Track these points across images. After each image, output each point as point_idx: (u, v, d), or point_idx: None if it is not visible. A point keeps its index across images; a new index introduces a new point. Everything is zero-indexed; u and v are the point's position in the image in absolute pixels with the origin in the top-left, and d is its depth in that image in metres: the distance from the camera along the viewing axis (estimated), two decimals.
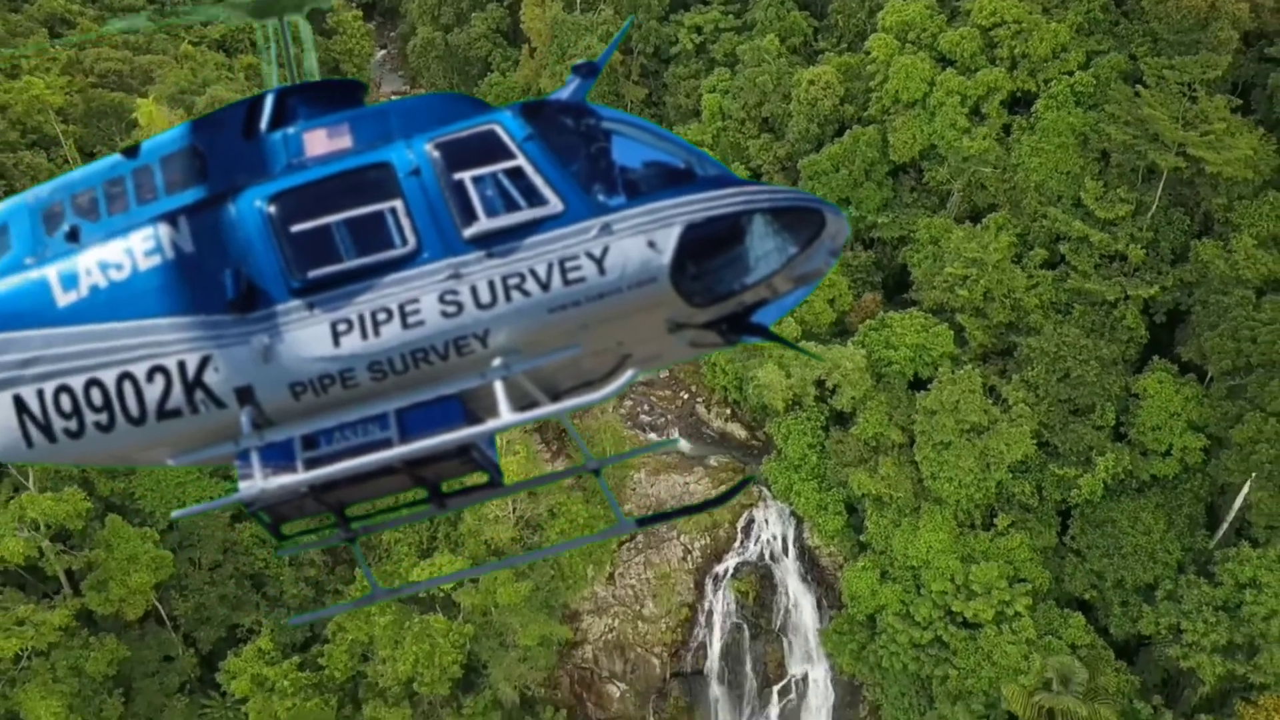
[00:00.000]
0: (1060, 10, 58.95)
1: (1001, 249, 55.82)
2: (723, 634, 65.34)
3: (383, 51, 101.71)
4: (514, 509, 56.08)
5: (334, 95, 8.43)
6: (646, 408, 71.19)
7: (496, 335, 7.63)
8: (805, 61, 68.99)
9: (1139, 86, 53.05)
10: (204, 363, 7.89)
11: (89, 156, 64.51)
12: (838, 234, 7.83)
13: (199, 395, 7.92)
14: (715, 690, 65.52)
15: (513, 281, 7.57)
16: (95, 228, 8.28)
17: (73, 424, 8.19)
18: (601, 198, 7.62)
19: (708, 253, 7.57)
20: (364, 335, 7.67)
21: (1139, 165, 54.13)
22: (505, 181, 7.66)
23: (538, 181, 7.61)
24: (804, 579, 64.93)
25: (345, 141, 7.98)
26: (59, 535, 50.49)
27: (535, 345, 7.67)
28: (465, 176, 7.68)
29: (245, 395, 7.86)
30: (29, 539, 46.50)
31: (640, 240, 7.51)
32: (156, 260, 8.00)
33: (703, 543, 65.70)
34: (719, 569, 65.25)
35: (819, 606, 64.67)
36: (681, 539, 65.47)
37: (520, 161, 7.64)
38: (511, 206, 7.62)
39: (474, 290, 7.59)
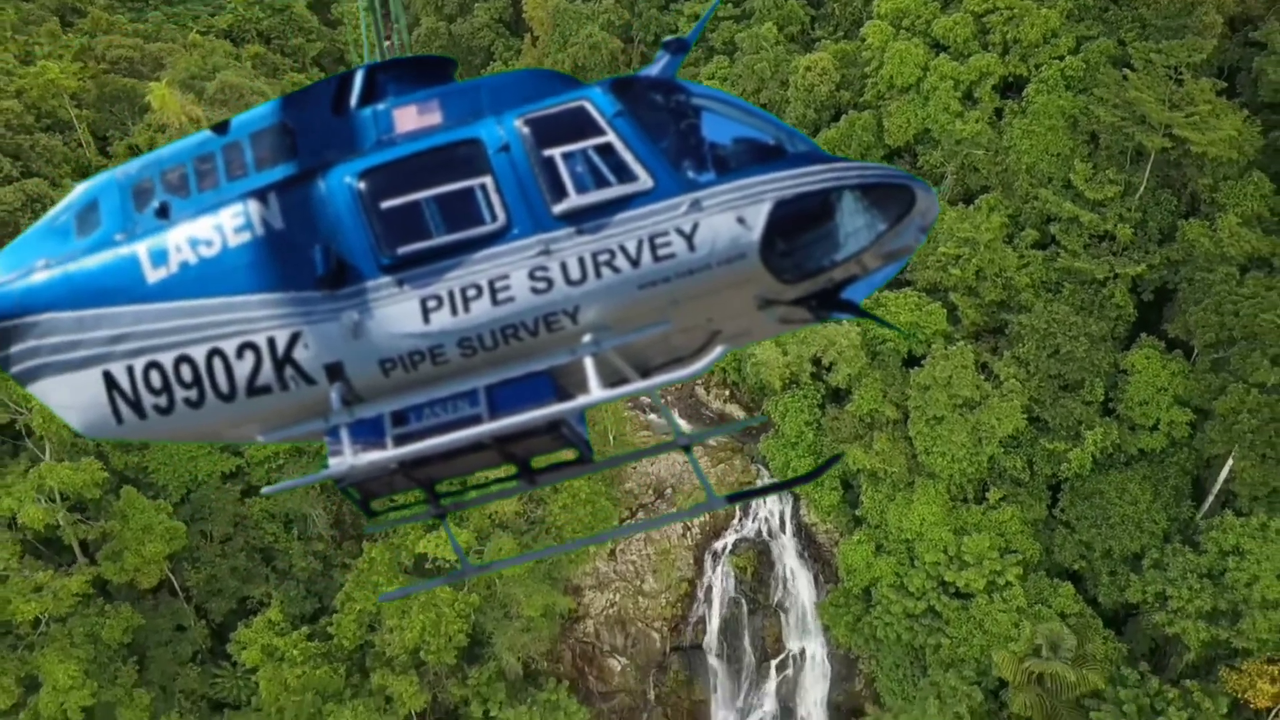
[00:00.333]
0: None
1: (993, 229, 57.21)
2: (721, 609, 66.61)
3: (386, 43, 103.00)
4: None
5: (424, 72, 8.42)
6: None
7: (586, 311, 7.66)
8: (802, 49, 70.37)
9: (1126, 70, 54.39)
10: (294, 339, 7.93)
11: (102, 140, 65.93)
12: (928, 211, 7.83)
13: (289, 372, 7.98)
14: (714, 664, 66.78)
15: (603, 258, 7.60)
16: (185, 204, 8.29)
17: (162, 400, 8.24)
18: (691, 174, 7.64)
19: (797, 229, 7.59)
20: (454, 312, 7.72)
21: (1127, 147, 55.46)
22: (595, 158, 7.67)
23: (627, 158, 7.62)
24: (801, 555, 66.22)
25: (435, 118, 7.98)
26: (75, 506, 51.89)
27: (625, 321, 7.70)
28: (555, 153, 7.69)
29: (335, 372, 7.93)
30: (48, 508, 47.82)
31: (730, 217, 7.54)
32: (246, 237, 8.01)
33: (701, 520, 67.03)
34: (717, 545, 66.56)
35: (816, 582, 65.95)
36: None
37: (610, 138, 7.65)
38: (601, 183, 7.64)
39: (564, 266, 7.62)
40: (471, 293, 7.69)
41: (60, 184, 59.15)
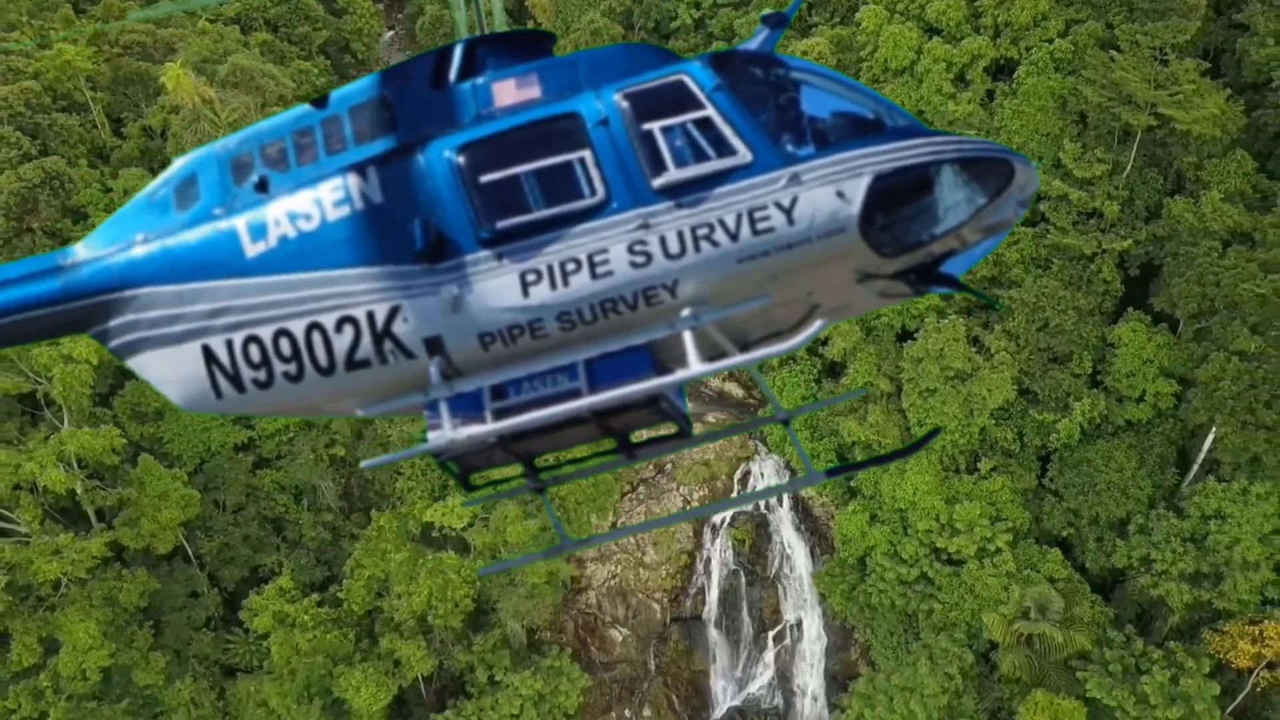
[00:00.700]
0: None
1: None
2: (720, 581, 68.20)
3: (390, 33, 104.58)
4: None
5: (522, 46, 8.41)
6: None
7: (685, 286, 7.65)
8: (799, 34, 71.93)
9: (1113, 52, 56.02)
10: (393, 313, 7.93)
11: (116, 122, 67.52)
12: (1026, 185, 7.78)
13: (388, 346, 8.00)
14: (713, 634, 68.36)
15: (702, 232, 7.58)
16: (284, 178, 8.30)
17: (261, 374, 8.26)
18: (790, 148, 7.62)
19: (896, 203, 7.58)
20: (553, 286, 7.71)
21: (1114, 127, 57.07)
22: (694, 132, 7.66)
23: (726, 132, 7.61)
24: (798, 528, 67.84)
25: (534, 92, 7.97)
26: (93, 474, 53.48)
27: (724, 296, 7.69)
28: (654, 127, 7.67)
29: (434, 346, 7.95)
30: (69, 474, 49.41)
31: (829, 190, 7.51)
32: (345, 211, 8.01)
33: (701, 493, 68.64)
34: (716, 519, 68.21)
35: (812, 555, 67.57)
36: (681, 490, 68.44)
37: (709, 112, 7.64)
38: (700, 157, 7.62)
39: (663, 241, 7.61)
40: (570, 267, 7.70)
41: (76, 163, 60.79)
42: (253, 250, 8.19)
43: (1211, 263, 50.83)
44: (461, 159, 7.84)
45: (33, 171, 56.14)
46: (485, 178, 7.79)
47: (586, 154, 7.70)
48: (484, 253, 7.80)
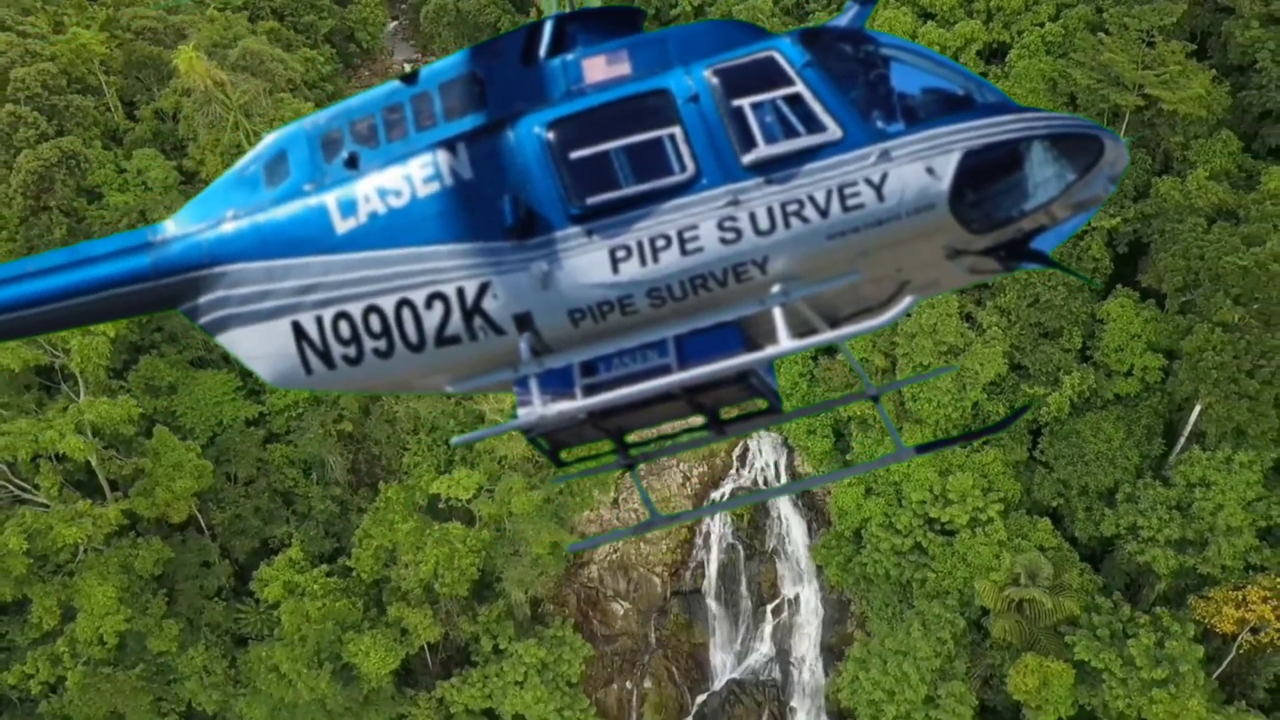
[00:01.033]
0: None
1: None
2: (719, 555, 69.71)
3: (394, 23, 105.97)
4: None
5: (612, 22, 8.43)
6: None
7: (775, 262, 7.69)
8: (797, 21, 73.38)
9: (1102, 34, 57.53)
10: (483, 289, 7.99)
11: (129, 105, 69.00)
12: (1116, 161, 7.76)
13: (478, 322, 8.05)
14: (713, 607, 69.75)
15: (791, 208, 7.62)
16: (374, 154, 8.33)
17: (351, 351, 8.30)
18: (880, 124, 7.65)
19: (986, 179, 7.57)
20: (643, 262, 7.74)
21: (1103, 108, 58.53)
22: (784, 108, 7.67)
23: (816, 108, 7.62)
24: (795, 504, 69.23)
25: (624, 68, 7.99)
26: (109, 445, 54.96)
27: (814, 272, 7.72)
28: (744, 103, 7.70)
29: (524, 322, 7.98)
30: (87, 442, 50.89)
31: (919, 167, 7.55)
32: (435, 187, 8.07)
33: (700, 470, 70.13)
34: (715, 494, 69.67)
35: (809, 529, 69.03)
36: (680, 466, 69.92)
37: (799, 88, 7.65)
38: (790, 133, 7.64)
39: (753, 217, 7.65)
40: (660, 243, 7.73)
41: (91, 145, 62.27)
42: (343, 226, 8.25)
43: (1196, 238, 52.36)
44: (552, 135, 7.88)
45: (50, 151, 57.62)
46: (575, 154, 7.83)
47: (676, 130, 7.74)
48: (574, 229, 7.84)
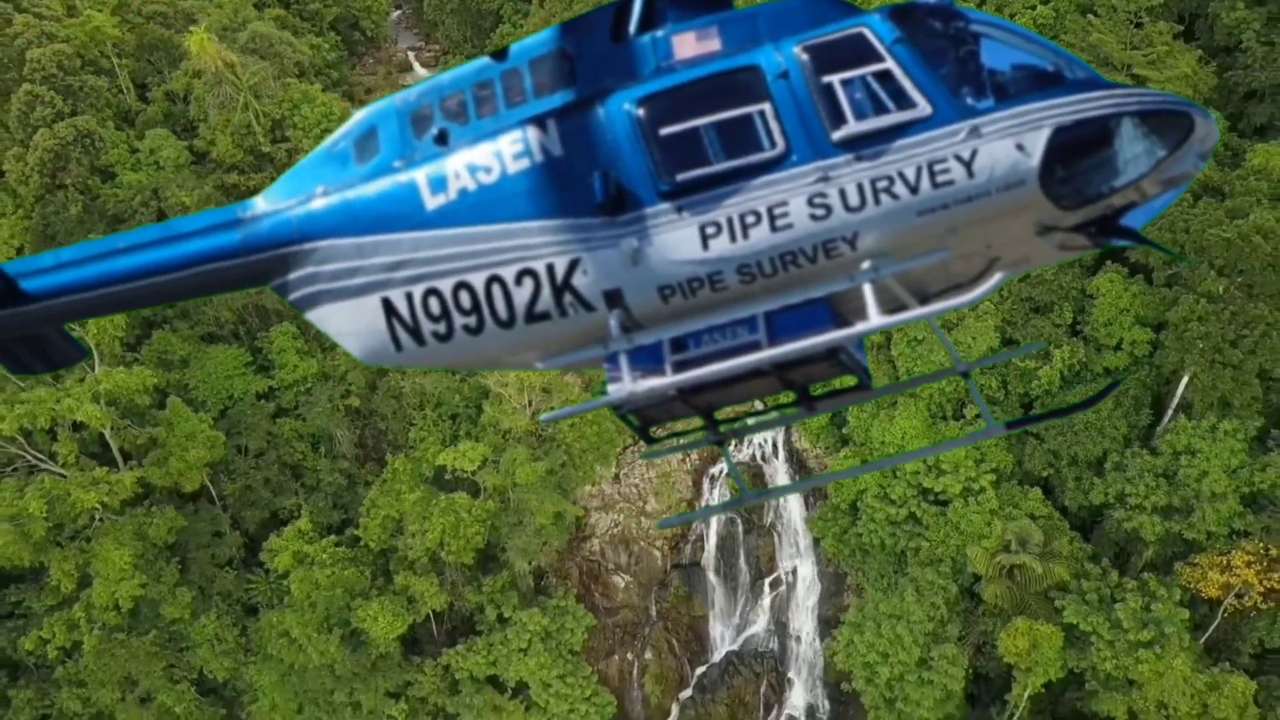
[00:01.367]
0: None
1: None
2: (719, 529, 71.13)
3: (398, 11, 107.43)
4: (529, 401, 61.98)
5: None
6: None
7: (865, 238, 7.68)
8: None
9: (1091, 16, 58.98)
10: (572, 266, 7.97)
11: (141, 88, 70.41)
12: (1207, 137, 7.70)
13: (568, 298, 8.04)
14: (712, 580, 71.18)
15: (881, 185, 7.60)
16: (464, 131, 8.32)
17: (441, 327, 8.32)
18: (970, 100, 7.62)
19: (1076, 156, 7.55)
20: (733, 238, 7.74)
21: None
22: (874, 84, 7.66)
23: (906, 84, 7.61)
24: (793, 478, 70.65)
25: (713, 44, 7.98)
26: (123, 415, 56.37)
27: (904, 248, 7.71)
28: (834, 79, 7.68)
29: (614, 298, 7.98)
30: (104, 411, 52.33)
31: (1009, 143, 7.51)
32: (525, 164, 8.04)
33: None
34: (714, 470, 71.10)
35: (806, 505, 70.51)
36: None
37: (889, 64, 7.65)
38: (880, 109, 7.63)
39: (843, 193, 7.63)
40: (750, 219, 7.72)
41: (104, 125, 63.72)
42: (432, 203, 8.25)
43: (1182, 212, 53.80)
44: (642, 111, 7.86)
45: (66, 130, 59.06)
46: (665, 130, 7.80)
47: (766, 107, 7.73)
48: (664, 205, 7.82)
